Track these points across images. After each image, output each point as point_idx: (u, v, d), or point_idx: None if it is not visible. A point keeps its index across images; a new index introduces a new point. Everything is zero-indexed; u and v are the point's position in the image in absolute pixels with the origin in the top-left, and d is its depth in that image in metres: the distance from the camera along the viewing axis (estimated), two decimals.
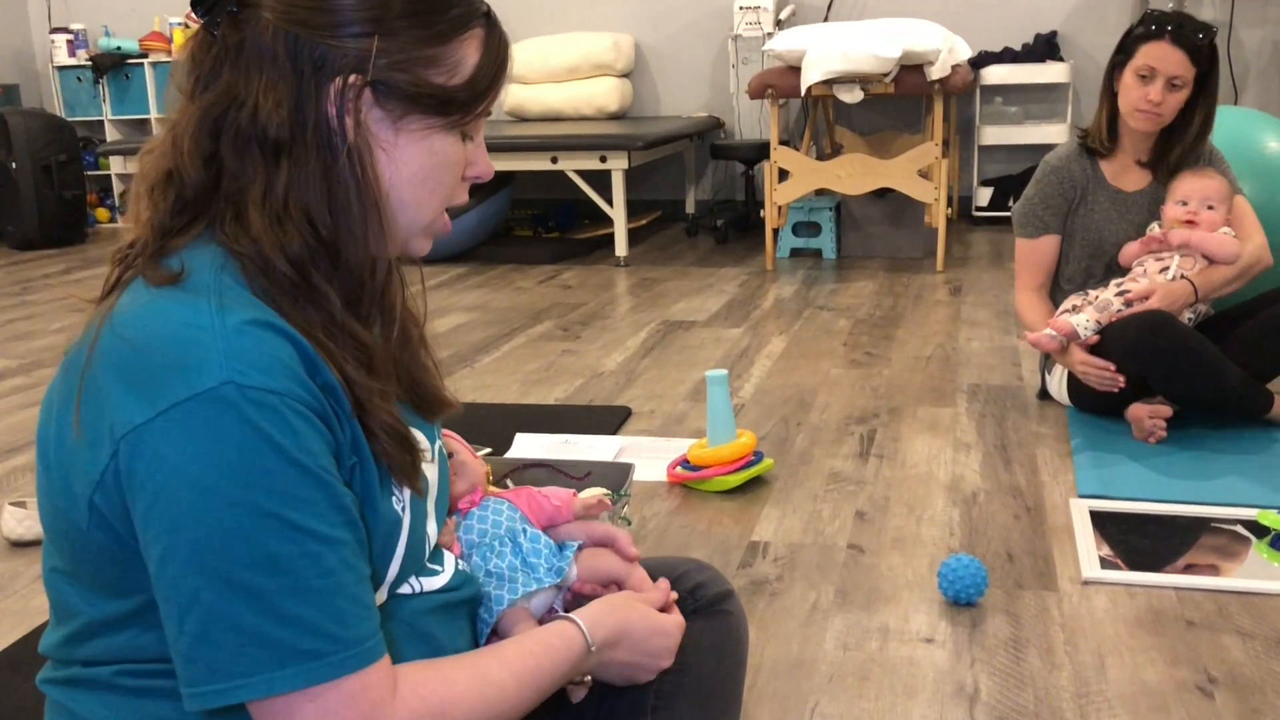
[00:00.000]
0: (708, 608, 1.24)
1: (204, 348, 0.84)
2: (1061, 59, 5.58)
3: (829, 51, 4.45)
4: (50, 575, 0.96)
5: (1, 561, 2.26)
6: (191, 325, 0.85)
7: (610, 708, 1.14)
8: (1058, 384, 2.85)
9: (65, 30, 6.79)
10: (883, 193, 4.90)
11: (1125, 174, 2.80)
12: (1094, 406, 2.74)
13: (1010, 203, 5.64)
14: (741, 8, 5.67)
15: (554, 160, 5.02)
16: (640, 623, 1.09)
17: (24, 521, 2.32)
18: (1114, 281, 2.71)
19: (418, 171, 0.96)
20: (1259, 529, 2.12)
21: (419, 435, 1.07)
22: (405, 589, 1.01)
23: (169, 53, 6.55)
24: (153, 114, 6.62)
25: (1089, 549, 2.08)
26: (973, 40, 5.38)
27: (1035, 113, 5.73)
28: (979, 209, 5.72)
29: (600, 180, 5.04)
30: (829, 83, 4.52)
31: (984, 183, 5.76)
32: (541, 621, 1.14)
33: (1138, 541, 2.12)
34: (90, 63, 6.63)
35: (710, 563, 1.38)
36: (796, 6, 5.87)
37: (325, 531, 0.86)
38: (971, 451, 2.63)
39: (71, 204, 6.17)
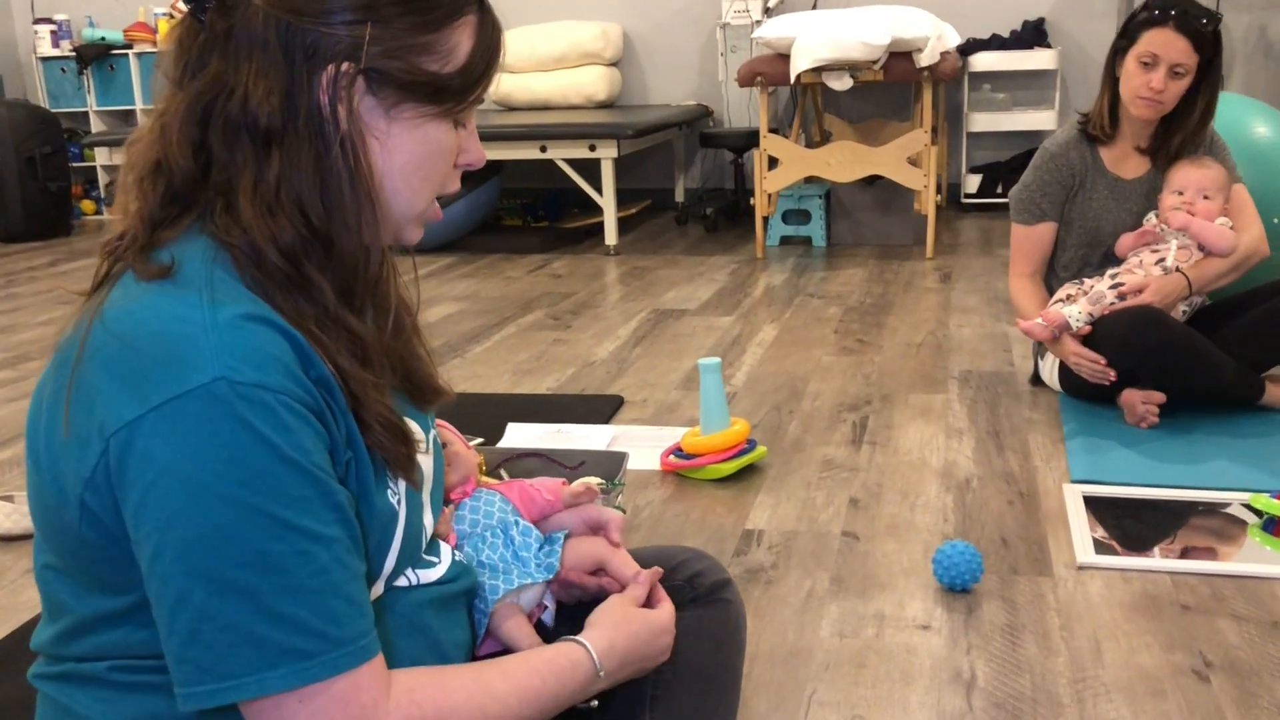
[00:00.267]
0: (706, 596, 1.24)
1: (195, 343, 0.83)
2: (1049, 45, 5.58)
3: (818, 39, 4.43)
4: (42, 572, 0.95)
5: None
6: (183, 320, 0.84)
7: (610, 696, 1.13)
8: (1050, 370, 2.85)
9: (49, 21, 6.74)
10: (872, 180, 4.89)
11: (1124, 161, 2.78)
12: (1086, 393, 2.74)
13: (999, 190, 5.64)
14: None
15: (543, 149, 5.00)
16: (644, 634, 1.07)
17: (11, 515, 2.31)
18: (1109, 272, 2.70)
19: (410, 160, 0.95)
20: (1253, 512, 2.12)
21: (414, 426, 1.06)
22: (402, 581, 1.00)
23: (154, 43, 6.51)
24: (138, 105, 6.58)
25: (1083, 534, 2.08)
26: (961, 27, 5.37)
27: (1023, 99, 5.72)
28: (968, 196, 5.73)
29: (589, 169, 5.02)
30: (818, 70, 4.51)
31: (973, 170, 5.76)
32: (530, 616, 1.14)
33: (1131, 526, 2.13)
34: (74, 53, 6.59)
35: (705, 551, 1.37)
36: None
37: (318, 529, 0.85)
38: (964, 438, 2.63)
39: (56, 196, 6.13)
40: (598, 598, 1.16)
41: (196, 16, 0.92)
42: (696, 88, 6.16)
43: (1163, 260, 2.64)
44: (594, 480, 2.13)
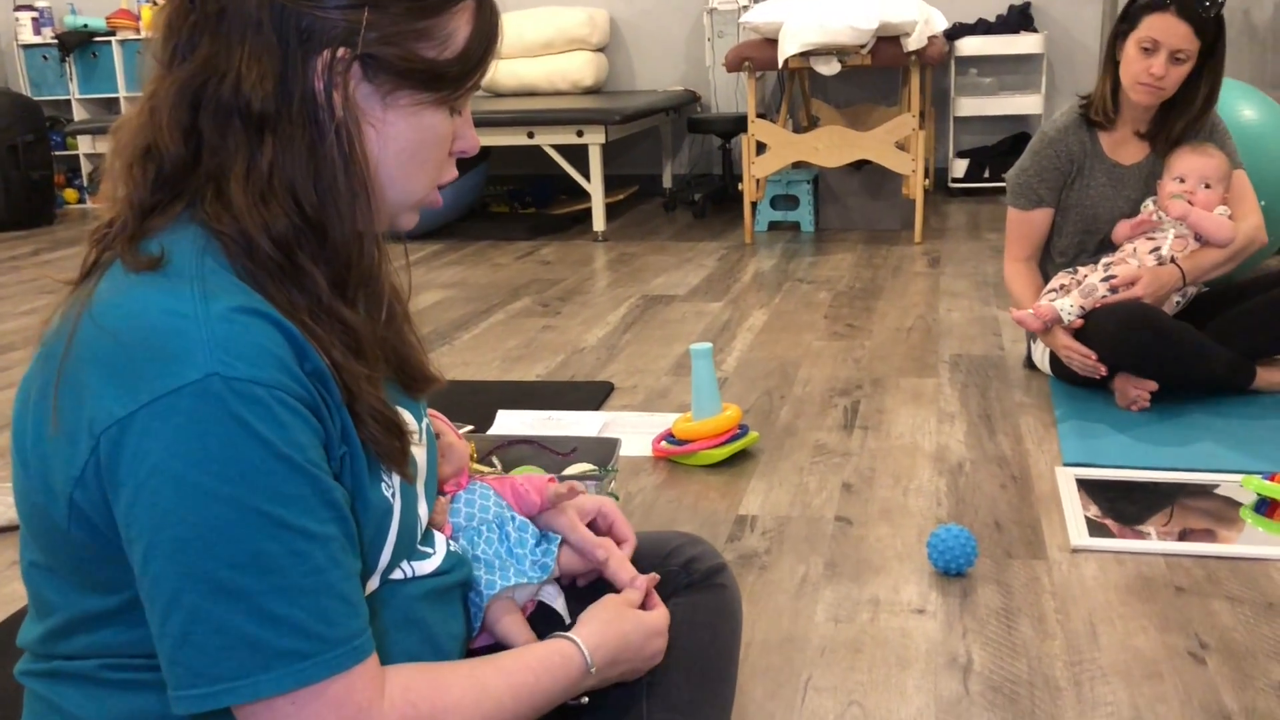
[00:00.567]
0: (701, 582, 1.23)
1: (187, 337, 0.81)
2: (1035, 29, 5.57)
3: (806, 23, 4.42)
4: (29, 569, 0.93)
5: None
6: (174, 314, 0.82)
7: (604, 690, 1.12)
8: (1041, 354, 2.85)
9: (30, 8, 6.67)
10: (860, 165, 4.89)
11: (1123, 146, 2.74)
12: (1077, 377, 2.73)
13: (986, 174, 5.64)
14: None
15: (530, 135, 4.97)
16: (635, 634, 1.07)
17: None
18: (1102, 261, 2.68)
19: (406, 148, 0.93)
20: (1245, 494, 2.12)
21: (408, 417, 1.04)
22: (397, 574, 0.99)
23: (137, 30, 6.45)
24: (121, 93, 6.53)
25: (1077, 517, 2.08)
26: (947, 11, 5.36)
27: (1010, 84, 5.72)
28: (955, 181, 5.72)
29: (577, 155, 5.00)
30: (806, 55, 4.50)
31: (960, 154, 5.75)
32: (525, 610, 1.13)
33: (1125, 509, 2.13)
34: (56, 41, 6.52)
35: (699, 536, 1.36)
36: None
37: (313, 528, 0.83)
38: (956, 422, 2.63)
39: (39, 185, 6.07)
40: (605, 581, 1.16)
41: None
42: (684, 73, 6.14)
43: (1158, 250, 2.62)
44: (586, 466, 2.12)
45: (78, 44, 6.47)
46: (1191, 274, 2.60)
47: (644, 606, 1.12)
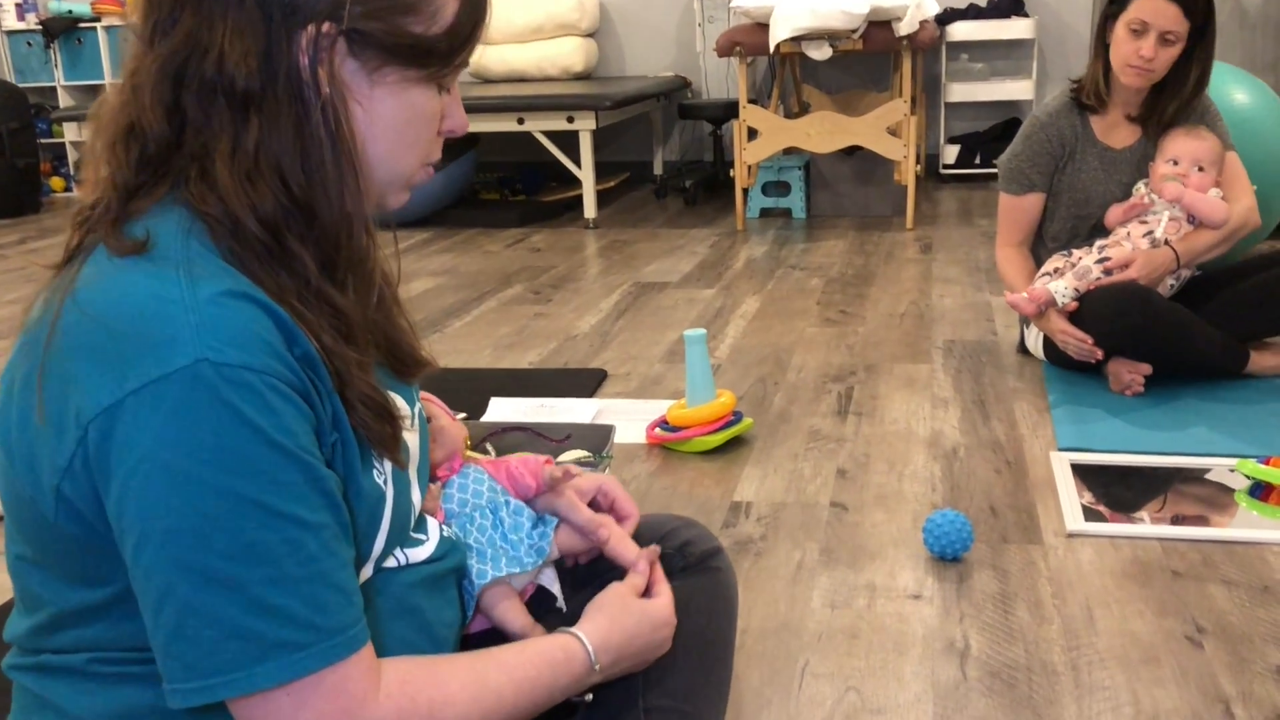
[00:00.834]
0: (697, 565, 1.22)
1: (175, 323, 0.79)
2: (1026, 14, 5.55)
3: (797, 7, 4.40)
4: (15, 563, 0.91)
5: None
6: (161, 298, 0.80)
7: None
8: (1035, 339, 2.84)
9: None
10: (851, 151, 4.87)
11: (1115, 130, 2.74)
12: (1071, 362, 2.73)
13: (977, 160, 5.63)
14: None
15: (520, 121, 4.95)
16: (640, 627, 1.05)
17: None
18: (1096, 244, 2.68)
19: (394, 125, 0.92)
20: (1239, 478, 2.12)
21: (399, 401, 1.03)
22: (391, 562, 0.98)
23: (123, 16, 6.39)
24: (107, 79, 6.47)
25: (1072, 502, 2.08)
26: None
27: (1001, 69, 5.71)
28: (946, 167, 5.71)
29: (567, 141, 4.97)
30: (797, 40, 4.48)
31: (951, 140, 5.74)
32: (523, 594, 1.12)
33: (1120, 493, 2.12)
34: (40, 27, 6.47)
35: (694, 520, 1.35)
36: None
37: (306, 516, 0.82)
38: (950, 407, 2.62)
39: (25, 173, 6.02)
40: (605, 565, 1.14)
41: None
42: (674, 59, 6.11)
43: (1151, 233, 2.62)
44: (580, 453, 2.11)
45: (62, 30, 6.41)
46: (1185, 256, 2.60)
47: (649, 586, 1.11)
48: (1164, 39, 2.55)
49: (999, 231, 2.88)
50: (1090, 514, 2.03)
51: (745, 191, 4.85)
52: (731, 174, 4.86)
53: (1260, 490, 2.05)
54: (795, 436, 2.49)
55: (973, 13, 5.56)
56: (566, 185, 5.68)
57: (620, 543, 1.14)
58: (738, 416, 2.48)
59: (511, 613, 1.08)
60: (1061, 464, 2.24)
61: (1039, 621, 1.72)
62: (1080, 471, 2.21)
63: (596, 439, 2.12)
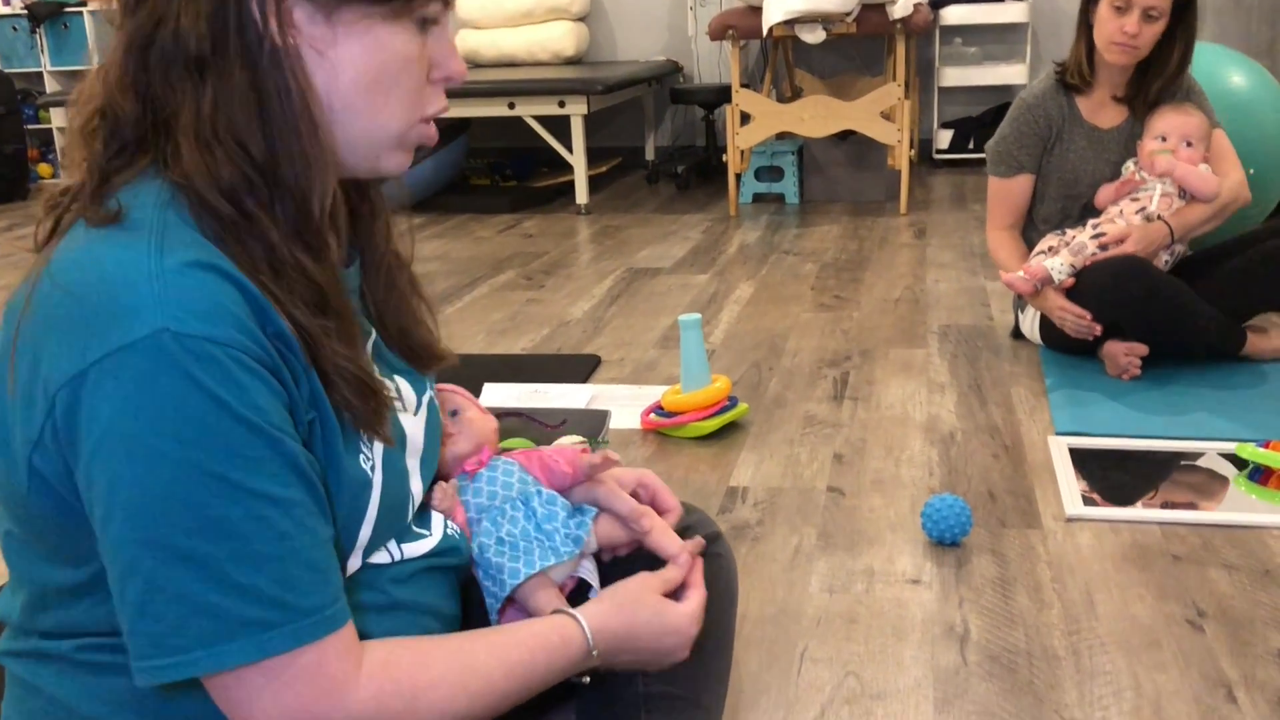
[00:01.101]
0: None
1: (139, 292, 0.76)
2: None
3: None
4: (5, 538, 0.89)
5: None
6: (126, 266, 0.78)
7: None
8: (1030, 323, 2.83)
9: None
10: (845, 136, 4.85)
11: (1101, 110, 2.75)
12: (1067, 345, 2.72)
13: (971, 145, 5.61)
14: None
15: (511, 106, 4.91)
16: (649, 624, 1.00)
17: None
18: (1090, 222, 2.68)
19: (365, 72, 0.86)
20: (1238, 462, 2.12)
21: (404, 386, 1.01)
22: (383, 556, 0.95)
23: (108, 1, 6.33)
24: (94, 64, 6.40)
25: (1070, 486, 2.07)
26: None
27: (994, 53, 5.69)
28: (939, 152, 5.69)
29: (558, 126, 4.94)
30: (791, 23, 4.45)
31: (944, 125, 5.72)
32: (563, 589, 1.07)
33: (1119, 477, 2.11)
34: (26, 11, 6.40)
35: (694, 505, 1.33)
36: None
37: (276, 492, 0.79)
38: (946, 392, 2.61)
39: (12, 159, 5.97)
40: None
41: None
42: (666, 43, 6.07)
43: (1144, 209, 2.61)
44: (576, 438, 2.09)
45: (48, 15, 6.35)
46: (1179, 230, 2.59)
47: (682, 587, 1.07)
48: (1147, 15, 2.55)
49: (989, 215, 2.87)
50: (1089, 499, 2.02)
51: (738, 176, 4.82)
52: (724, 159, 4.84)
53: (1260, 474, 2.04)
54: (791, 421, 2.48)
55: None
56: (558, 171, 5.64)
57: (663, 535, 1.09)
58: (733, 401, 2.46)
59: (549, 605, 1.03)
60: (1059, 448, 2.23)
61: (1039, 606, 1.71)
62: (1078, 456, 2.20)
63: (592, 424, 2.10)
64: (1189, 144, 2.61)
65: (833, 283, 3.62)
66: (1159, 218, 2.59)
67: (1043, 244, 2.72)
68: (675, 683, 1.11)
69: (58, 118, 6.33)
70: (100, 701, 0.87)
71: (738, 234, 4.44)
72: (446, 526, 1.04)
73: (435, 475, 1.08)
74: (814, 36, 4.48)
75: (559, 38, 5.82)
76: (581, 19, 5.99)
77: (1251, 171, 2.91)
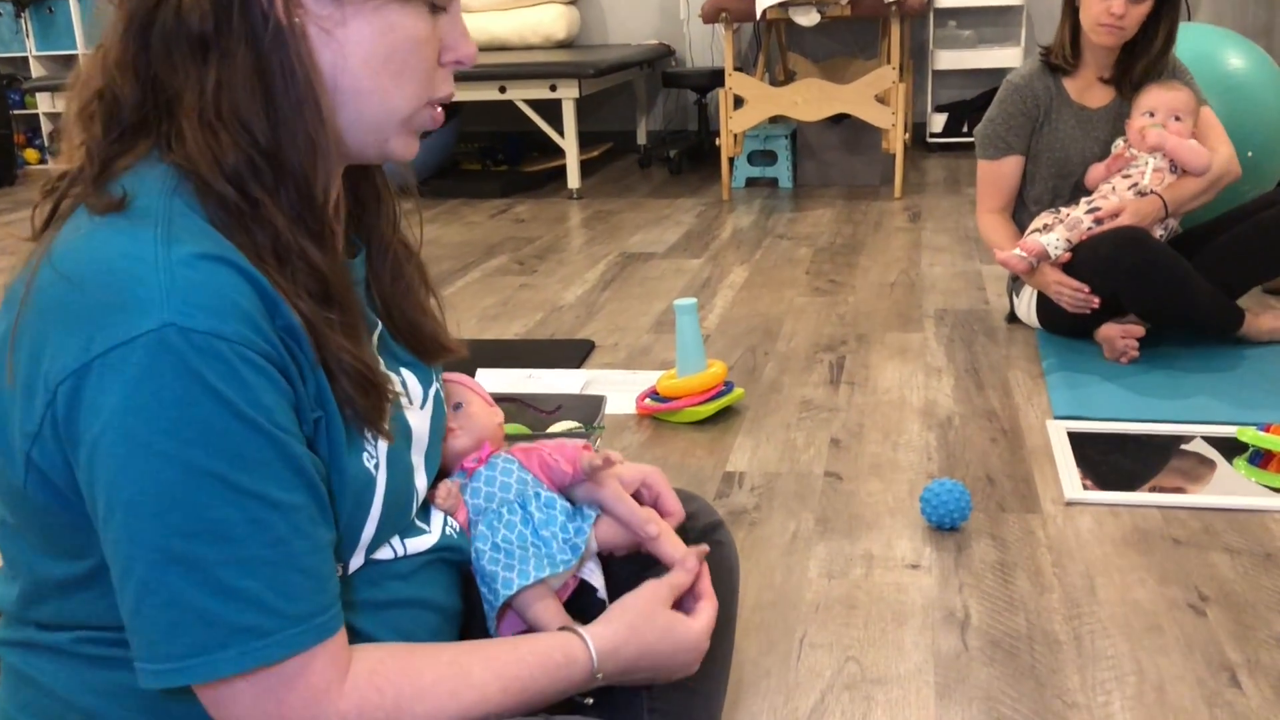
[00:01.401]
0: (699, 539, 1.18)
1: (144, 284, 0.74)
2: None
3: None
4: (0, 528, 0.87)
5: None
6: (132, 257, 0.75)
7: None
8: (1026, 306, 2.81)
9: None
10: (838, 120, 4.82)
11: (1089, 91, 2.74)
12: (1064, 328, 2.71)
13: (965, 129, 5.59)
14: None
15: (502, 90, 4.87)
16: (660, 643, 0.97)
17: None
18: (1084, 200, 2.67)
19: (375, 53, 0.83)
20: (1238, 446, 2.10)
21: (410, 379, 0.98)
22: (386, 553, 0.92)
23: None
24: (80, 49, 6.35)
25: (1069, 470, 2.05)
26: None
27: (989, 36, 5.66)
28: (933, 135, 5.67)
29: (550, 111, 4.90)
30: (784, 5, 4.42)
31: (938, 109, 5.70)
32: (565, 589, 1.03)
33: (1118, 461, 2.10)
34: None
35: (695, 493, 1.31)
36: None
37: (276, 495, 0.77)
38: (943, 376, 2.59)
39: None
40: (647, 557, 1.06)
41: None
42: (657, 26, 6.04)
43: (1136, 185, 2.61)
44: (571, 424, 2.06)
45: None
46: (1173, 204, 2.58)
47: (692, 599, 1.03)
48: None
49: (979, 198, 2.86)
50: (1088, 483, 2.01)
51: (731, 161, 4.80)
52: (717, 143, 4.81)
53: (1260, 458, 2.03)
54: (787, 406, 2.46)
55: None
56: (549, 155, 5.61)
57: (668, 541, 1.05)
58: (729, 386, 2.44)
59: (547, 614, 0.99)
60: (1058, 432, 2.21)
61: (1039, 590, 1.69)
62: (1077, 440, 2.18)
63: (587, 410, 2.08)
64: (1177, 118, 2.61)
65: (827, 267, 3.60)
66: (1151, 191, 2.58)
67: (1037, 222, 2.70)
68: None
69: (44, 103, 6.28)
70: (96, 694, 0.85)
71: (731, 218, 4.41)
72: (446, 524, 1.01)
73: (438, 470, 1.05)
74: (808, 19, 4.45)
75: (550, 21, 5.78)
76: (572, 2, 5.95)
77: (1250, 154, 2.89)
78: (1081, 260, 2.55)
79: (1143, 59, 2.66)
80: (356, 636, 0.86)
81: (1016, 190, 2.82)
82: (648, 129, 6.08)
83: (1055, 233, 2.59)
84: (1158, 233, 2.61)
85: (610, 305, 3.29)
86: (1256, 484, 1.98)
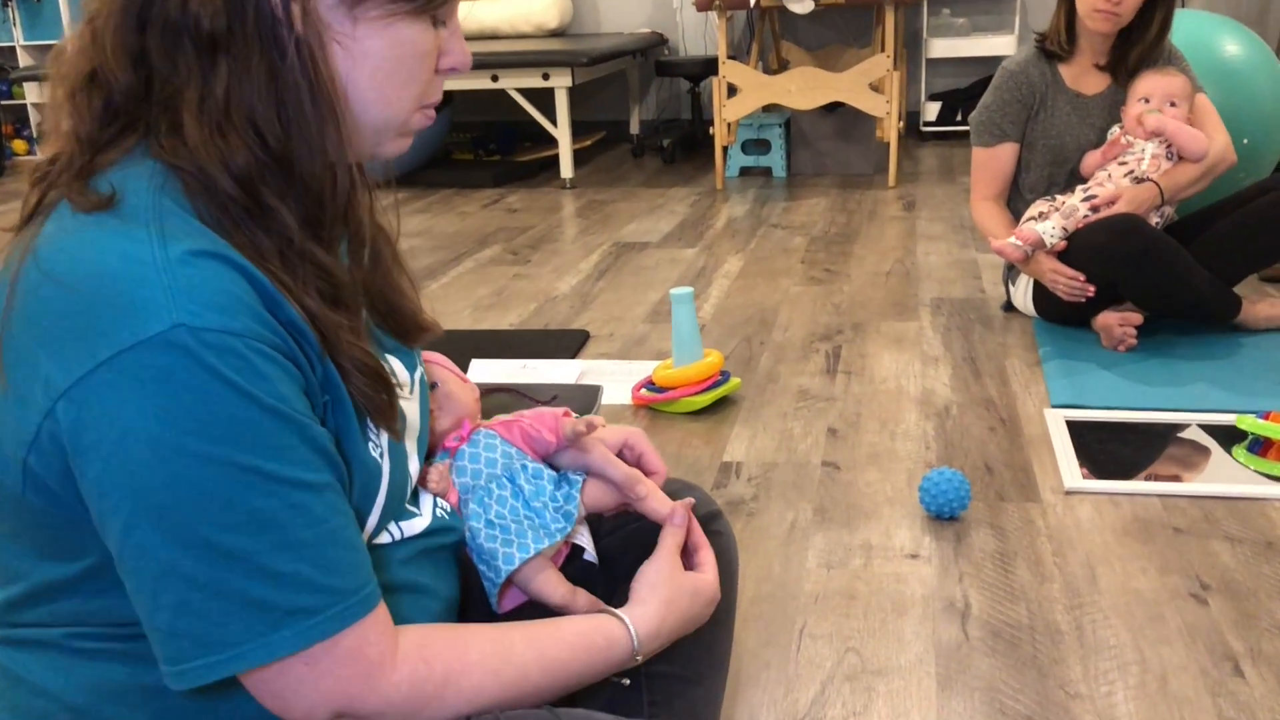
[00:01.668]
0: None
1: (147, 285, 0.72)
2: None
3: None
4: None
5: None
6: (130, 259, 0.73)
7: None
8: (1022, 295, 2.80)
9: None
10: (832, 108, 4.80)
11: (1084, 77, 2.73)
12: (1060, 316, 2.70)
13: (959, 117, 5.58)
14: None
15: (494, 79, 4.85)
16: (690, 610, 1.00)
17: None
18: (1079, 187, 2.66)
19: (383, 66, 0.83)
20: (1237, 434, 2.09)
21: (398, 366, 0.97)
22: (384, 538, 0.92)
23: None
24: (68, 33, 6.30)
25: (1069, 459, 2.04)
26: None
27: (983, 24, 5.64)
28: (927, 124, 5.65)
29: (542, 100, 4.88)
30: None
31: (932, 97, 5.68)
32: (559, 558, 1.04)
33: (1118, 450, 2.09)
34: None
35: (692, 483, 1.30)
36: None
37: (308, 478, 0.77)
38: (940, 365, 2.58)
39: None
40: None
41: None
42: (650, 15, 6.01)
43: (1132, 172, 2.60)
44: (590, 417, 2.05)
45: None
46: (1169, 191, 2.57)
47: (691, 550, 1.05)
48: None
49: (973, 186, 2.85)
50: (1087, 472, 2.00)
51: (725, 150, 4.78)
52: (710, 132, 4.78)
53: (1259, 445, 2.02)
54: (784, 396, 2.44)
55: None
56: (542, 145, 5.58)
57: (655, 499, 1.07)
58: (725, 376, 2.42)
59: (550, 584, 1.00)
60: (1056, 421, 2.20)
61: (1040, 580, 1.68)
62: (1076, 429, 2.17)
63: (583, 400, 2.06)
64: (1173, 104, 2.60)
65: (822, 256, 3.59)
66: (1148, 179, 2.57)
67: (1032, 209, 2.69)
68: (676, 663, 1.09)
69: (32, 93, 6.23)
70: (86, 690, 0.84)
71: (725, 208, 4.40)
72: (436, 506, 1.00)
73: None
74: (802, 7, 4.43)
75: (542, 10, 5.75)
76: None
77: (1245, 142, 2.88)
78: (1077, 249, 2.53)
79: (1138, 45, 2.65)
80: None
81: (1011, 178, 2.81)
82: (641, 118, 6.05)
83: (1051, 221, 2.58)
84: (1153, 220, 2.60)
85: (605, 295, 3.27)
86: (1256, 472, 1.97)
